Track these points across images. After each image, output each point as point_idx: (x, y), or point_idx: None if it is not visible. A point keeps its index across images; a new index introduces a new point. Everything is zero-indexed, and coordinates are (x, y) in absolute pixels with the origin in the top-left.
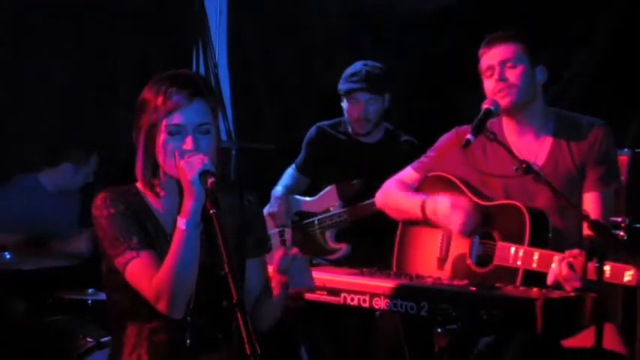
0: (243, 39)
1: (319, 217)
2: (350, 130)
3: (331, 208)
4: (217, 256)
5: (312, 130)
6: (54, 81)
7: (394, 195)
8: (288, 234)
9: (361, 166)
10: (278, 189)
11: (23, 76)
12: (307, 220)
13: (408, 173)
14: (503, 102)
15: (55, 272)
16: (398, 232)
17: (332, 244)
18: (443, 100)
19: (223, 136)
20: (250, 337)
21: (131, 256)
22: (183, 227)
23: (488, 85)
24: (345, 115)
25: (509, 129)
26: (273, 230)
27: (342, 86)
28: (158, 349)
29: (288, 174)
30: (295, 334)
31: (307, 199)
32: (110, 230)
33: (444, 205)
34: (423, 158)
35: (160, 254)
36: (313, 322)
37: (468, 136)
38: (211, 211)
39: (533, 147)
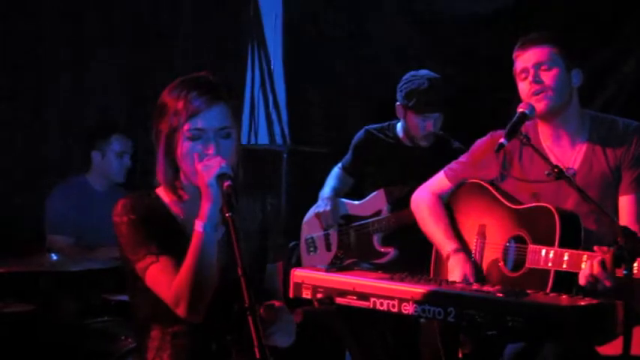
0: (298, 43)
1: (366, 220)
2: (401, 135)
3: (380, 212)
4: (233, 259)
5: (361, 133)
6: (108, 82)
7: (425, 216)
8: (334, 237)
9: (410, 171)
10: (326, 190)
11: (85, 74)
12: (354, 224)
13: (441, 181)
14: (539, 106)
15: (103, 274)
16: None
17: (379, 248)
18: (493, 103)
19: (278, 140)
20: (260, 341)
21: (151, 261)
22: (201, 230)
23: (523, 87)
24: (403, 124)
25: (544, 134)
26: (318, 233)
27: (409, 102)
28: (181, 353)
29: (335, 174)
30: (340, 339)
31: (354, 202)
32: (131, 236)
33: (455, 276)
34: (455, 165)
35: (181, 258)
36: (357, 326)
37: (502, 140)
38: (227, 214)
39: (569, 152)
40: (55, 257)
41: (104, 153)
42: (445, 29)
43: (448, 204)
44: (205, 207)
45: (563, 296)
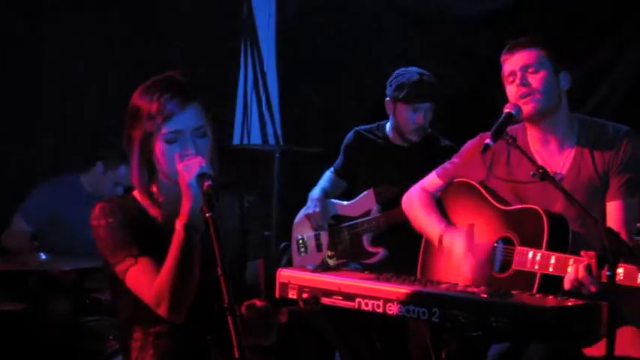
0: (292, 43)
1: (356, 220)
2: (391, 135)
3: (370, 212)
4: (213, 258)
5: (350, 134)
6: (103, 83)
7: (416, 209)
8: (324, 237)
9: (399, 170)
10: (315, 191)
11: (71, 76)
12: (344, 224)
13: (432, 180)
14: (527, 109)
15: (93, 273)
16: (423, 239)
17: (369, 249)
18: (492, 103)
19: (271, 140)
20: (239, 341)
21: (130, 263)
22: (181, 230)
23: (511, 90)
24: (392, 121)
25: (532, 137)
26: (309, 234)
27: (399, 94)
28: (163, 353)
29: (326, 177)
30: (329, 339)
31: (344, 202)
32: (109, 239)
33: (459, 249)
34: (447, 164)
35: (160, 260)
36: (343, 327)
37: (487, 141)
38: (208, 214)
39: (557, 156)
40: (44, 256)
41: (106, 171)
42: (444, 29)
43: (439, 203)
44: (186, 207)
45: (549, 297)
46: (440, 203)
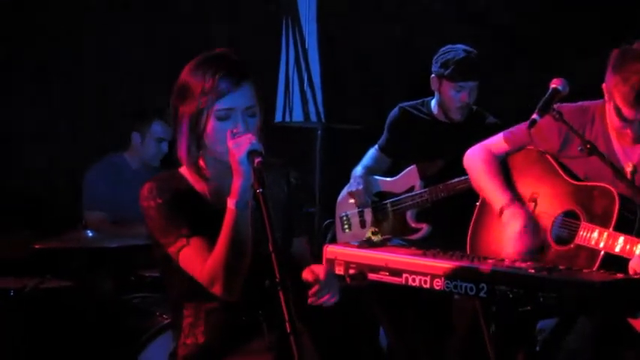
0: (333, 20)
1: (400, 197)
2: (436, 111)
3: (413, 188)
4: (263, 234)
5: (395, 110)
6: (142, 61)
7: (480, 170)
8: (368, 214)
9: (444, 147)
10: (358, 169)
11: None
12: (387, 200)
13: (499, 142)
14: (622, 134)
15: (139, 250)
16: (474, 213)
17: (413, 224)
18: (520, 76)
19: (313, 118)
20: (291, 316)
21: (182, 244)
22: (233, 208)
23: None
24: (437, 97)
25: (612, 122)
26: (352, 210)
27: (444, 71)
28: (214, 328)
29: (370, 154)
30: (374, 315)
31: (387, 179)
32: (159, 220)
33: (514, 227)
34: (516, 130)
35: (211, 238)
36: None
37: (534, 116)
38: (258, 191)
39: (634, 146)
40: (90, 234)
41: (144, 136)
42: (481, 6)
43: (504, 165)
44: (237, 184)
45: (596, 272)
46: (505, 165)
